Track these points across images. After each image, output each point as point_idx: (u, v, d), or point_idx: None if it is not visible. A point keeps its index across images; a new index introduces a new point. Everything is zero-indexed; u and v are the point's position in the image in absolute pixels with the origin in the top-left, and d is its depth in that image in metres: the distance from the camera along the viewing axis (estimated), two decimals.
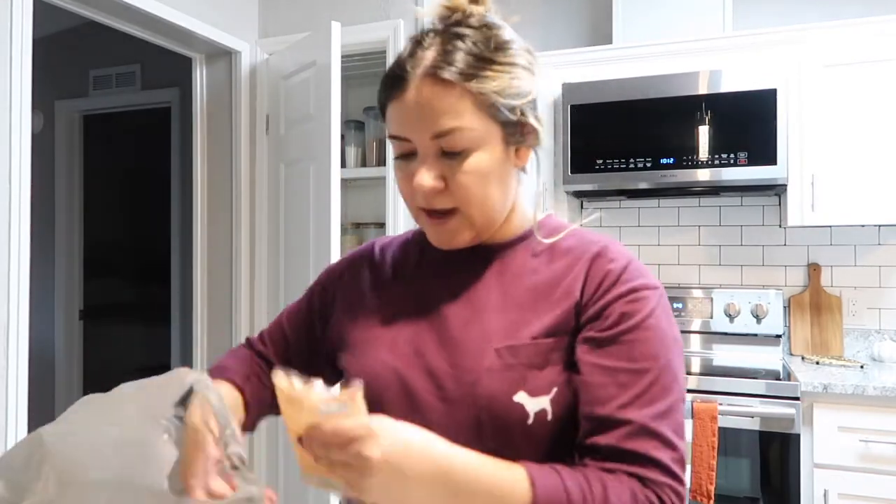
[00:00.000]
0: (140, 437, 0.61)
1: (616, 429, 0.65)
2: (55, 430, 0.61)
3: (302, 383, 0.59)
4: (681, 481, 0.66)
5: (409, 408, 0.74)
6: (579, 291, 0.74)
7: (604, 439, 0.66)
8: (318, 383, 0.59)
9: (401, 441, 0.58)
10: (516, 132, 0.74)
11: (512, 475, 0.61)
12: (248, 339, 0.95)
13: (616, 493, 0.62)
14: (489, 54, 0.71)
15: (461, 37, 0.71)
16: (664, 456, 0.65)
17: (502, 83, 0.71)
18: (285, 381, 0.59)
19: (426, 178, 0.72)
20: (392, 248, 0.91)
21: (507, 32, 0.74)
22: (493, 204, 0.75)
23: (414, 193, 0.74)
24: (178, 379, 0.66)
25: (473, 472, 0.60)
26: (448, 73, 0.70)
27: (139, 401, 0.64)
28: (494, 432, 0.70)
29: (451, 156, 0.71)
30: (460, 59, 0.70)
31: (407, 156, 0.74)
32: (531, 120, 0.75)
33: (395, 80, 0.73)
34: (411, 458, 0.58)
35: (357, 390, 0.57)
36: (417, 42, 0.73)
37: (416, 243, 0.88)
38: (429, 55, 0.71)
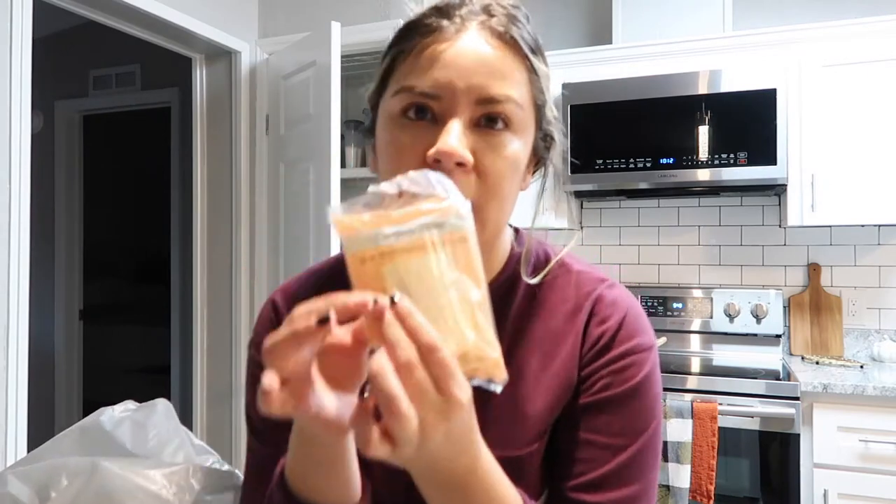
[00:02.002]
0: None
1: None
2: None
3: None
4: None
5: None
6: (578, 356, 0.64)
7: None
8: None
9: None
10: (543, 139, 0.64)
11: (514, 494, 0.54)
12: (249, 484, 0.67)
13: None
14: (539, 42, 0.61)
15: (511, 6, 0.60)
16: None
17: (548, 78, 0.62)
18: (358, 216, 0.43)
19: (460, 145, 0.54)
20: (311, 292, 0.69)
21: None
22: (506, 216, 0.61)
23: (421, 163, 0.55)
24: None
25: (496, 472, 0.52)
26: (516, 34, 0.58)
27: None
28: None
29: (488, 130, 0.57)
30: (523, 25, 0.59)
31: (419, 118, 0.57)
32: (555, 132, 0.65)
33: (438, 20, 0.57)
34: (473, 419, 0.46)
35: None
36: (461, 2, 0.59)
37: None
38: (481, 11, 0.58)
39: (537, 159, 0.65)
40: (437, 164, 0.54)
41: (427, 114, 0.57)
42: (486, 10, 0.58)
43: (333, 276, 0.71)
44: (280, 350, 0.40)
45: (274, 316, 0.71)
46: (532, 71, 0.59)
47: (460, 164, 0.54)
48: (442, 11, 0.58)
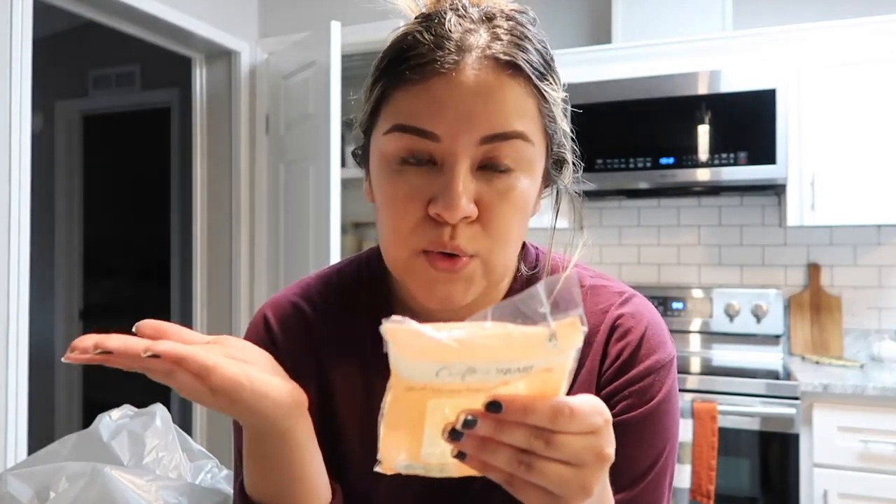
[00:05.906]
0: None
1: None
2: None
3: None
4: None
5: None
6: (597, 375, 0.61)
7: None
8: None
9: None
10: (554, 166, 0.59)
11: None
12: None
13: None
14: (548, 58, 0.56)
15: (516, 22, 0.54)
16: None
17: (560, 101, 0.56)
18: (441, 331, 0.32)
19: (464, 200, 0.50)
20: (302, 318, 0.65)
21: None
22: (514, 257, 0.57)
23: (422, 223, 0.52)
24: None
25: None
26: (523, 60, 0.52)
27: None
28: None
29: (494, 173, 0.52)
30: (530, 48, 0.53)
31: (417, 161, 0.52)
32: (568, 155, 0.60)
33: (434, 48, 0.50)
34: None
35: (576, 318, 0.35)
36: (457, 13, 0.52)
37: (359, 312, 0.64)
38: (482, 32, 0.52)
39: (548, 181, 0.61)
40: (440, 217, 0.50)
41: (426, 156, 0.51)
42: (488, 33, 0.52)
43: (350, 305, 0.66)
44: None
45: (267, 337, 0.65)
46: (542, 98, 0.54)
47: (465, 217, 0.51)
48: (437, 34, 0.51)
